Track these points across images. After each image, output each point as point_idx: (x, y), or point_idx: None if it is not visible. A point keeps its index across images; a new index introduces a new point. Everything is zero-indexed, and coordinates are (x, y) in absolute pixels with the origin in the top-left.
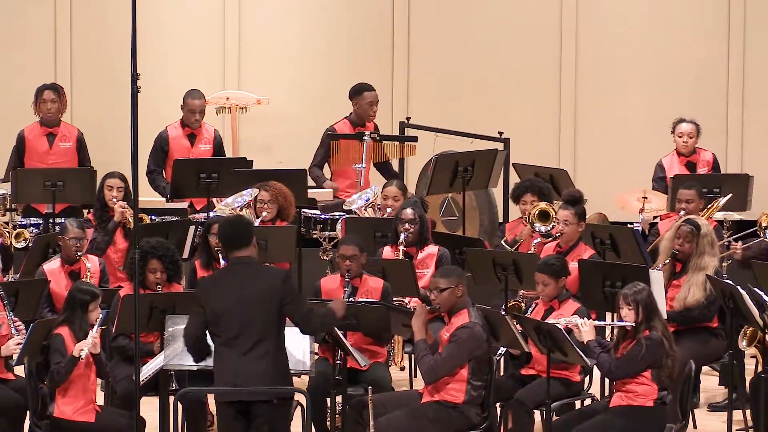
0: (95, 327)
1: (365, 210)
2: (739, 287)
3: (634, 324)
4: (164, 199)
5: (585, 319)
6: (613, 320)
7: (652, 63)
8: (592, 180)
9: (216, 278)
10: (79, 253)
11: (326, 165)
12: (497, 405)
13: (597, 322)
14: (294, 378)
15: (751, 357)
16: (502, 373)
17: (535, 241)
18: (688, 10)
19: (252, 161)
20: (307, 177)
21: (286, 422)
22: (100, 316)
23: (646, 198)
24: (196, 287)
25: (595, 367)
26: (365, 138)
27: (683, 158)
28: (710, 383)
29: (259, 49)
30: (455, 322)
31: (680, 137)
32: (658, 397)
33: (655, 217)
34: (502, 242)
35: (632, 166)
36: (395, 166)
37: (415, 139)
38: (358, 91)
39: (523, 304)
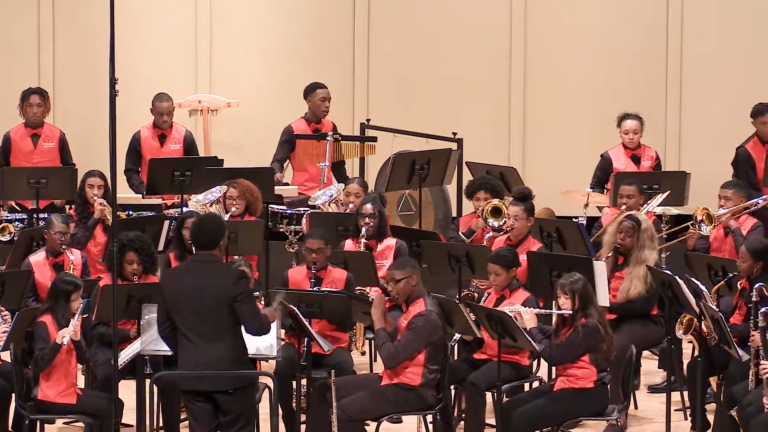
0: (76, 315)
1: (329, 205)
2: (677, 277)
3: (571, 312)
4: (140, 195)
5: (526, 307)
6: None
7: (594, 66)
8: (540, 177)
9: (178, 270)
10: (63, 246)
11: (288, 160)
12: (452, 387)
13: (539, 311)
14: (262, 362)
15: (689, 342)
16: (456, 358)
17: (488, 235)
18: (629, 12)
19: (223, 160)
20: (274, 175)
21: (249, 406)
22: (81, 305)
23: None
24: (161, 277)
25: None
26: (328, 138)
27: (629, 151)
28: (650, 366)
29: (229, 55)
30: (412, 310)
31: (626, 134)
32: (597, 378)
33: (599, 208)
34: (459, 233)
35: (577, 165)
36: (356, 165)
37: (374, 139)
38: (310, 90)
39: (476, 294)
